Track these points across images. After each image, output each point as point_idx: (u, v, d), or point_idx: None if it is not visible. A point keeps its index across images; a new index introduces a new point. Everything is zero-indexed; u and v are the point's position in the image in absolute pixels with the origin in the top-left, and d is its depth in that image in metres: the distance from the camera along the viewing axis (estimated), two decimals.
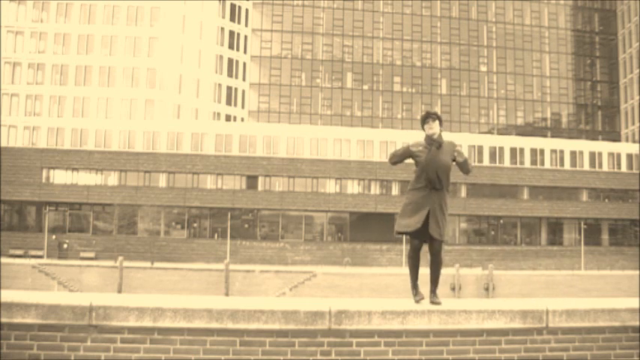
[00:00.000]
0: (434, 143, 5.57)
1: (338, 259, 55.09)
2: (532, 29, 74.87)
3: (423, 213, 5.49)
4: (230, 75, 73.25)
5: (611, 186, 62.92)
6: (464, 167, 5.68)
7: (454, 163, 5.67)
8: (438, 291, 5.52)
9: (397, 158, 5.75)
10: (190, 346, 4.59)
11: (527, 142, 63.15)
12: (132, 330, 4.56)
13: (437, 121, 5.62)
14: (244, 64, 73.83)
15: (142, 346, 4.56)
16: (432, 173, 5.51)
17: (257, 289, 42.33)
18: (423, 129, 5.66)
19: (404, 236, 6.08)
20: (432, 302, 5.28)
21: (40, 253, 52.55)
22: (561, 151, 62.97)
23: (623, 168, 63.72)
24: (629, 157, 64.08)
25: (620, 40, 76.32)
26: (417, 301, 5.33)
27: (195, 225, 59.34)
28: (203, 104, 70.60)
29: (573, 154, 63.04)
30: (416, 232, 5.53)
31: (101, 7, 66.21)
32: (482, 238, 62.52)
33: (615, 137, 74.31)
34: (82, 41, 65.76)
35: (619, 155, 64.06)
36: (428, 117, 5.63)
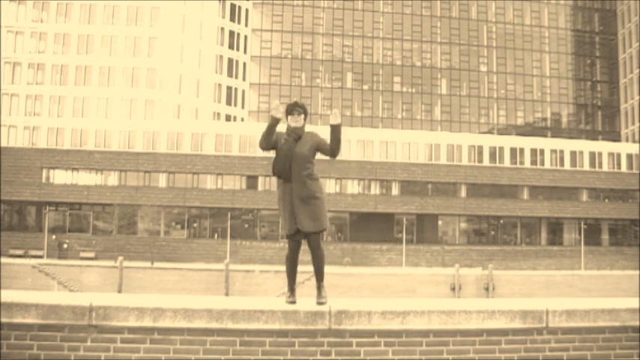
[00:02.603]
0: (292, 134, 5.32)
1: (338, 259, 55.00)
2: (532, 29, 74.84)
3: (290, 209, 5.32)
4: (230, 75, 73.23)
5: (611, 186, 62.89)
6: (331, 149, 5.33)
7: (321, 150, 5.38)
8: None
9: (271, 144, 5.32)
10: (190, 346, 4.59)
11: (527, 142, 63.11)
12: (132, 330, 4.56)
13: (302, 115, 5.36)
14: (244, 64, 73.81)
15: (142, 346, 4.56)
16: (285, 165, 5.27)
17: (257, 289, 42.29)
18: (287, 120, 5.41)
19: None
20: (318, 303, 5.01)
21: (40, 253, 52.49)
22: (561, 151, 62.94)
23: (623, 168, 63.69)
24: (629, 157, 64.05)
25: (620, 40, 76.30)
26: (289, 303, 5.08)
27: (195, 225, 59.34)
28: (203, 104, 70.58)
29: (573, 154, 63.01)
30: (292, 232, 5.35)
31: (101, 7, 66.18)
32: (482, 238, 62.49)
33: (615, 137, 74.28)
34: (82, 41, 65.74)
35: (619, 155, 64.03)
36: (293, 109, 5.36)
